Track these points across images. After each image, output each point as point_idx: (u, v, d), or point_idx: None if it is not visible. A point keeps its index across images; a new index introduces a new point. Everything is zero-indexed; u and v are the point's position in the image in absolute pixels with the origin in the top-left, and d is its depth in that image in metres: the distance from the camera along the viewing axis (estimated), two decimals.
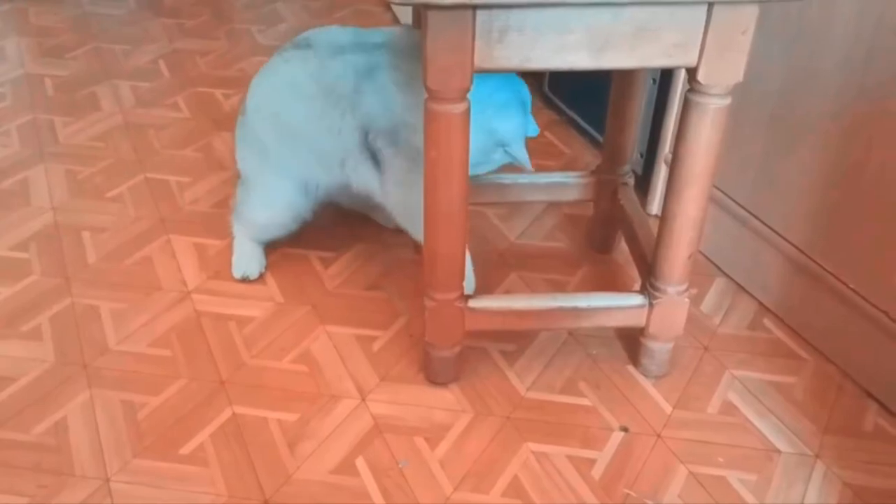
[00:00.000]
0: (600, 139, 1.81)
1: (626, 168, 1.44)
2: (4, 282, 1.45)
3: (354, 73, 1.24)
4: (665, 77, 1.54)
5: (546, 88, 2.00)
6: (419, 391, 1.26)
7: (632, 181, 1.45)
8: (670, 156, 1.52)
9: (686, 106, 1.03)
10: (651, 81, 1.56)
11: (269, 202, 1.41)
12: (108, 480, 1.11)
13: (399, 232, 1.58)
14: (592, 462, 1.15)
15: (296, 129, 1.31)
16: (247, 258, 1.47)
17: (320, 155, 1.32)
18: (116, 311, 1.39)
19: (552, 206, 1.67)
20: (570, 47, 0.94)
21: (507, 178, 1.47)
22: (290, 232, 1.45)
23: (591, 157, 1.83)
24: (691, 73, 0.99)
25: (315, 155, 1.32)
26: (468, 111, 0.99)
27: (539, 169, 1.79)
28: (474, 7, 0.90)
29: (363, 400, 1.24)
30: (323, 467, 1.14)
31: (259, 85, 1.36)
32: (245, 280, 1.46)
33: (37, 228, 1.58)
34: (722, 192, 1.44)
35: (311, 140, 1.31)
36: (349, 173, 1.32)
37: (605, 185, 1.46)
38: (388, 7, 2.24)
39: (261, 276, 1.47)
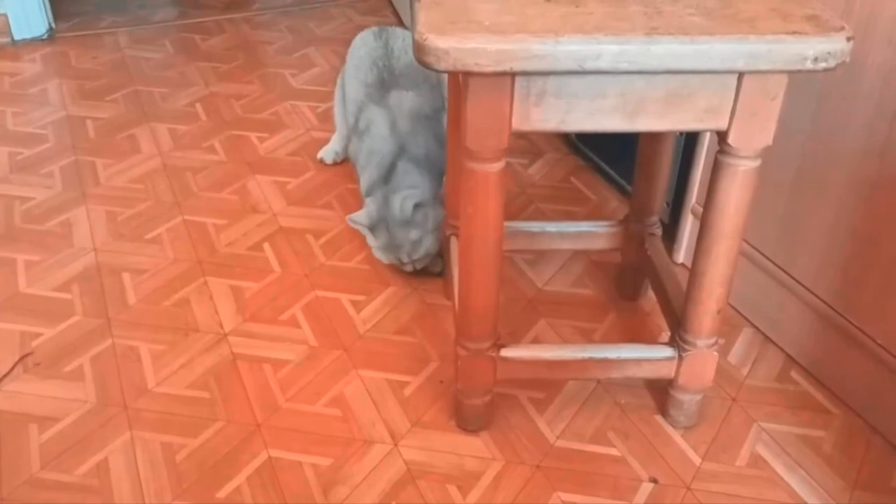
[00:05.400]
0: (625, 185, 1.84)
1: (654, 219, 1.46)
2: (48, 322, 1.49)
3: None
4: None
5: (573, 135, 2.04)
6: (450, 438, 1.28)
7: (659, 231, 1.47)
8: (698, 206, 1.55)
9: (716, 167, 1.06)
10: (678, 133, 1.60)
11: None
12: None
13: (428, 276, 1.62)
14: None
15: None
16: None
17: None
18: (155, 352, 1.43)
19: (579, 252, 1.70)
20: (605, 111, 0.98)
21: (536, 227, 1.51)
22: None
23: (617, 203, 1.86)
24: (722, 135, 1.02)
25: None
26: (504, 170, 1.03)
27: (566, 215, 1.82)
28: (513, 74, 0.94)
29: (395, 445, 1.26)
30: None
31: None
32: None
33: (79, 269, 1.63)
34: (749, 244, 1.46)
35: None
36: None
37: (632, 235, 1.48)
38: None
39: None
